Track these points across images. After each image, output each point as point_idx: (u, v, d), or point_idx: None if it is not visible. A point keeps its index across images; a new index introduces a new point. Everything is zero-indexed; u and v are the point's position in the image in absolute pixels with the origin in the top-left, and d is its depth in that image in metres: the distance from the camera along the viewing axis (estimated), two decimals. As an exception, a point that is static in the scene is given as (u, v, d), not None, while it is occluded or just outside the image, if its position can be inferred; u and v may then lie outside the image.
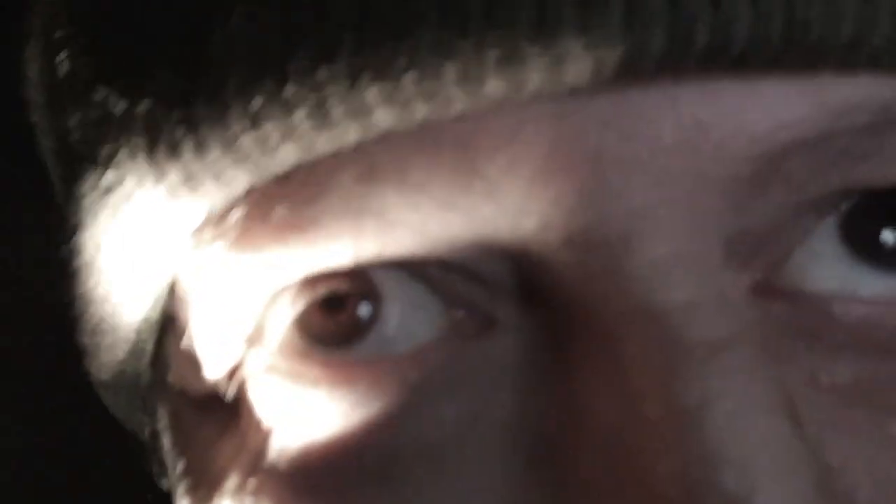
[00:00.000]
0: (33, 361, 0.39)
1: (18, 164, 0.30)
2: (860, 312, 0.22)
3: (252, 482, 0.24)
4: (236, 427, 0.25)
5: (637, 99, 0.20)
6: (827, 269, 0.22)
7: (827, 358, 0.22)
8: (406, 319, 0.23)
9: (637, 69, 0.20)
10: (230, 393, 0.24)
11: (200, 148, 0.21)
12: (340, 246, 0.22)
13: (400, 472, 0.22)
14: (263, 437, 0.24)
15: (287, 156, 0.21)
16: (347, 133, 0.20)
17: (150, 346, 0.28)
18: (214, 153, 0.21)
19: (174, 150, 0.22)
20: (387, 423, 0.22)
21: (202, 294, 0.24)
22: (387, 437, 0.22)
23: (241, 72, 0.20)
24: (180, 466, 0.26)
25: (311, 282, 0.23)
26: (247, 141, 0.21)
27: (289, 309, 0.23)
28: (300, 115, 0.20)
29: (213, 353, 0.24)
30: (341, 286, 0.23)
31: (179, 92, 0.21)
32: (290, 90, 0.20)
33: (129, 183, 0.23)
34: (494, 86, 0.20)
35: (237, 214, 0.22)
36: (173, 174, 0.22)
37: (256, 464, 0.24)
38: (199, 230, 0.23)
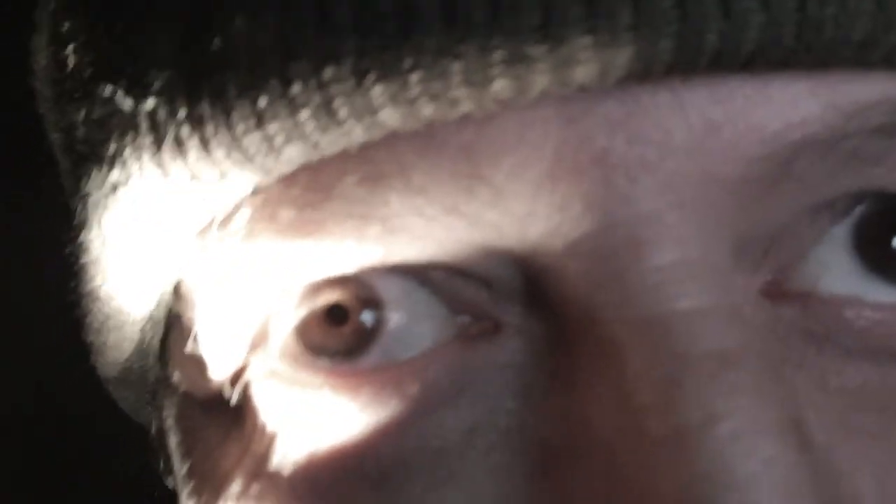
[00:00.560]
0: (41, 356, 0.39)
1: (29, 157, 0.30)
2: (871, 318, 0.21)
3: (255, 487, 0.23)
4: (241, 430, 0.24)
5: (645, 100, 0.20)
6: (838, 274, 0.22)
7: (837, 361, 0.21)
8: (411, 327, 0.22)
9: (646, 71, 0.19)
10: (234, 397, 0.24)
11: (205, 147, 0.21)
12: (345, 249, 0.21)
13: (403, 479, 0.22)
14: (268, 441, 0.23)
15: (292, 156, 0.21)
16: (353, 133, 0.20)
17: (155, 345, 0.28)
18: (219, 152, 0.21)
19: (179, 149, 0.21)
20: (390, 430, 0.22)
21: (207, 295, 0.24)
22: (390, 443, 0.22)
23: (245, 71, 0.20)
24: (185, 468, 0.26)
25: (315, 291, 0.22)
26: (252, 140, 0.20)
27: (292, 316, 0.23)
28: (305, 115, 0.20)
29: (218, 355, 0.24)
30: (344, 296, 0.22)
31: (185, 91, 0.21)
32: (295, 89, 0.20)
33: (135, 181, 0.22)
34: (501, 86, 0.19)
35: (243, 216, 0.22)
36: (179, 173, 0.22)
37: (260, 468, 0.23)
38: (205, 230, 0.23)
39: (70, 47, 0.24)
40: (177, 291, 0.25)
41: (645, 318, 0.20)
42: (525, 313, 0.22)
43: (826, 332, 0.21)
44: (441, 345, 0.22)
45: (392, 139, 0.20)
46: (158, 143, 0.21)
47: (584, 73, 0.19)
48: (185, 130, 0.21)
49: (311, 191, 0.21)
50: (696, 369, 0.19)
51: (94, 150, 0.23)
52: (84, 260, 0.26)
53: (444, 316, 0.22)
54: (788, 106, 0.20)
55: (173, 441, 0.27)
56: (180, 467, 0.26)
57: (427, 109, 0.20)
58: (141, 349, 0.27)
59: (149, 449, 0.32)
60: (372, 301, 0.22)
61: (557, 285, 0.21)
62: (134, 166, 0.22)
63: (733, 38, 0.19)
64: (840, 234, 0.22)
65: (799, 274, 0.22)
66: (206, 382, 0.25)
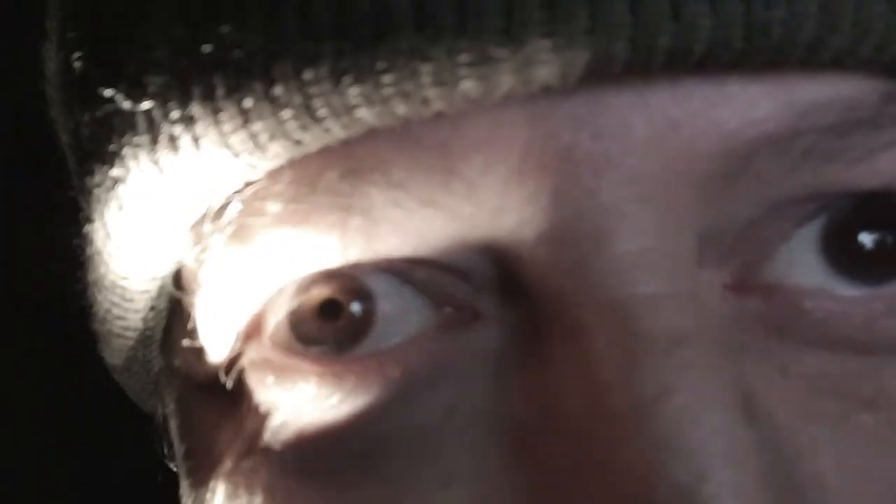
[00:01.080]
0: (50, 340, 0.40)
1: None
2: (830, 309, 0.23)
3: (246, 463, 0.25)
4: (235, 413, 0.26)
5: (609, 99, 0.21)
6: (802, 269, 0.23)
7: (797, 350, 0.22)
8: (396, 319, 0.24)
9: (604, 71, 0.20)
10: (229, 382, 0.25)
11: (196, 145, 0.22)
12: (331, 241, 0.23)
13: (384, 457, 0.23)
14: (259, 422, 0.25)
15: (277, 152, 0.22)
16: (333, 130, 0.21)
17: (158, 334, 0.29)
18: (208, 150, 0.22)
19: (173, 147, 0.23)
20: (374, 411, 0.23)
21: (204, 285, 0.25)
22: (373, 423, 0.23)
23: (232, 74, 0.21)
24: (184, 448, 0.27)
25: (307, 285, 0.24)
26: (238, 138, 0.22)
27: (285, 309, 0.24)
28: (287, 114, 0.21)
29: (214, 341, 0.26)
30: (334, 291, 0.24)
31: (178, 92, 0.22)
32: (277, 90, 0.21)
33: (133, 177, 0.24)
34: (468, 86, 0.20)
35: (234, 209, 0.23)
36: (173, 170, 0.23)
37: (251, 446, 0.25)
38: (199, 224, 0.24)
39: (76, 54, 0.25)
40: (177, 281, 0.27)
41: (607, 302, 0.21)
42: (500, 302, 0.23)
43: (786, 323, 0.23)
44: (423, 333, 0.24)
45: (371, 136, 0.22)
46: (154, 142, 0.23)
47: (545, 73, 0.20)
48: (178, 129, 0.22)
49: (296, 184, 0.23)
50: (653, 347, 0.21)
51: (97, 149, 0.25)
52: (89, 252, 0.27)
53: (426, 308, 0.24)
54: (745, 105, 0.21)
55: (174, 424, 0.29)
56: (179, 449, 0.28)
57: (401, 108, 0.21)
58: (144, 338, 0.29)
59: (154, 435, 0.33)
60: (361, 293, 0.24)
61: (528, 274, 0.22)
62: (132, 163, 0.24)
63: (684, 40, 0.20)
64: (805, 234, 0.23)
65: (764, 269, 0.23)
66: (203, 367, 0.26)
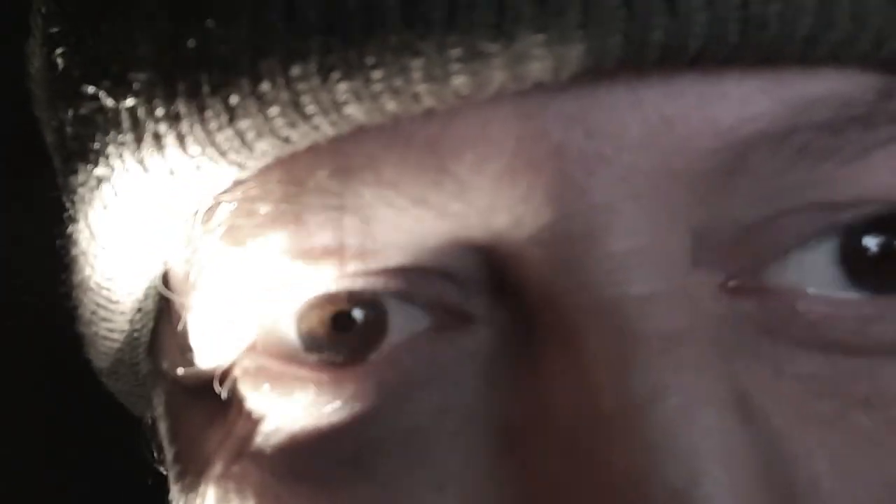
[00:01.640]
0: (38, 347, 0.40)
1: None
2: (823, 311, 0.22)
3: (236, 468, 0.24)
4: (225, 416, 0.25)
5: (601, 96, 0.21)
6: (802, 274, 0.22)
7: (791, 352, 0.22)
8: (391, 326, 0.23)
9: (597, 67, 0.20)
10: (224, 391, 0.25)
11: (181, 143, 0.22)
12: (323, 242, 0.22)
13: (376, 459, 0.23)
14: (251, 426, 0.24)
15: (264, 150, 0.22)
16: (321, 128, 0.21)
17: (145, 336, 0.29)
18: (194, 148, 0.22)
19: (158, 145, 0.22)
20: (366, 415, 0.23)
21: (195, 289, 0.25)
22: (365, 426, 0.23)
23: (218, 70, 0.21)
24: (172, 452, 0.27)
25: (311, 295, 0.23)
26: (224, 136, 0.22)
27: (287, 319, 0.24)
28: (274, 111, 0.21)
29: (205, 345, 0.25)
30: (346, 300, 0.23)
31: (162, 89, 0.22)
32: (264, 87, 0.21)
33: (118, 177, 0.24)
34: (460, 82, 0.20)
35: (224, 211, 0.23)
36: (158, 168, 0.23)
37: (242, 450, 0.24)
38: (189, 224, 0.24)
39: (59, 50, 0.25)
40: (165, 282, 0.26)
41: (600, 302, 0.21)
42: (491, 304, 0.23)
43: (780, 325, 0.22)
44: (414, 337, 0.23)
45: (361, 133, 0.21)
46: (139, 140, 0.22)
47: (538, 69, 0.20)
48: (163, 127, 0.22)
49: (285, 184, 0.22)
50: (646, 347, 0.20)
51: (81, 147, 0.24)
52: (73, 252, 0.27)
53: (419, 313, 0.23)
54: (739, 101, 0.21)
55: (163, 428, 0.28)
56: (168, 452, 0.28)
57: (390, 105, 0.20)
58: (131, 340, 0.28)
59: (143, 438, 0.33)
60: (369, 301, 0.23)
61: (520, 274, 0.22)
62: (116, 162, 0.23)
63: (679, 35, 0.20)
64: (811, 239, 0.22)
65: (760, 272, 0.22)
66: (193, 369, 0.26)
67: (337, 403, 0.23)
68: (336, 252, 0.22)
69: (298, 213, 0.22)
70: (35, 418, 0.40)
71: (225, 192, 0.23)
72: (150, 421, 0.31)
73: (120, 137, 0.23)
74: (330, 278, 0.23)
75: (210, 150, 0.22)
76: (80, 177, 0.25)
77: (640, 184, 0.21)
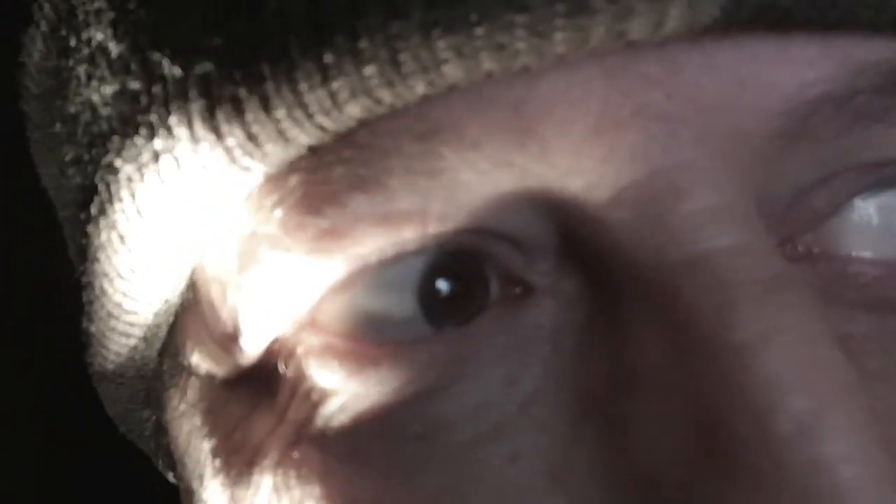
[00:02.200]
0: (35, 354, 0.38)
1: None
2: (871, 274, 0.23)
3: (296, 454, 0.23)
4: (272, 402, 0.24)
5: (681, 59, 0.21)
6: (854, 237, 0.23)
7: (844, 314, 0.23)
8: (458, 298, 0.23)
9: (693, 25, 0.20)
10: (290, 370, 0.24)
11: (265, 106, 0.21)
12: (404, 205, 0.22)
13: (445, 436, 0.23)
14: (307, 410, 0.24)
15: (353, 112, 0.21)
16: (415, 88, 0.21)
17: (163, 332, 0.27)
18: (280, 111, 0.21)
19: (236, 110, 0.21)
20: (433, 390, 0.23)
21: (258, 264, 0.24)
22: (433, 401, 0.23)
23: (309, 29, 0.20)
24: (208, 447, 0.26)
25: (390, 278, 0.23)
26: (314, 97, 0.21)
27: (363, 292, 0.23)
28: (371, 70, 0.20)
29: (259, 330, 0.24)
30: (429, 269, 0.23)
31: (242, 52, 0.21)
32: (362, 44, 0.20)
33: (180, 150, 0.22)
34: (560, 38, 0.20)
35: (296, 178, 0.22)
36: (233, 136, 0.22)
37: (300, 435, 0.24)
38: (258, 195, 0.23)
39: (95, 27, 0.24)
40: (198, 271, 0.25)
41: (689, 257, 0.21)
42: (557, 273, 0.23)
43: (831, 287, 0.23)
44: (480, 310, 0.23)
45: (446, 95, 0.21)
46: (212, 108, 0.22)
47: (639, 24, 0.20)
48: (244, 91, 0.21)
49: (366, 149, 0.22)
50: (748, 293, 0.21)
51: (128, 124, 0.23)
52: (101, 239, 0.25)
53: (484, 285, 0.23)
54: (806, 65, 0.22)
55: (188, 426, 0.27)
56: (200, 449, 0.26)
57: (487, 63, 0.20)
58: (148, 336, 0.27)
59: (145, 448, 0.32)
60: (451, 271, 0.23)
61: (597, 237, 0.22)
62: (181, 131, 0.22)
63: None
64: (862, 201, 0.23)
65: (812, 237, 0.23)
66: (229, 359, 0.25)
67: (403, 381, 0.23)
68: (418, 216, 0.22)
69: (378, 178, 0.22)
70: (35, 418, 0.38)
71: (301, 157, 0.22)
72: (155, 426, 0.30)
73: (187, 106, 0.22)
74: (410, 244, 0.22)
75: (297, 113, 0.21)
76: (127, 154, 0.23)
77: (715, 145, 0.21)
